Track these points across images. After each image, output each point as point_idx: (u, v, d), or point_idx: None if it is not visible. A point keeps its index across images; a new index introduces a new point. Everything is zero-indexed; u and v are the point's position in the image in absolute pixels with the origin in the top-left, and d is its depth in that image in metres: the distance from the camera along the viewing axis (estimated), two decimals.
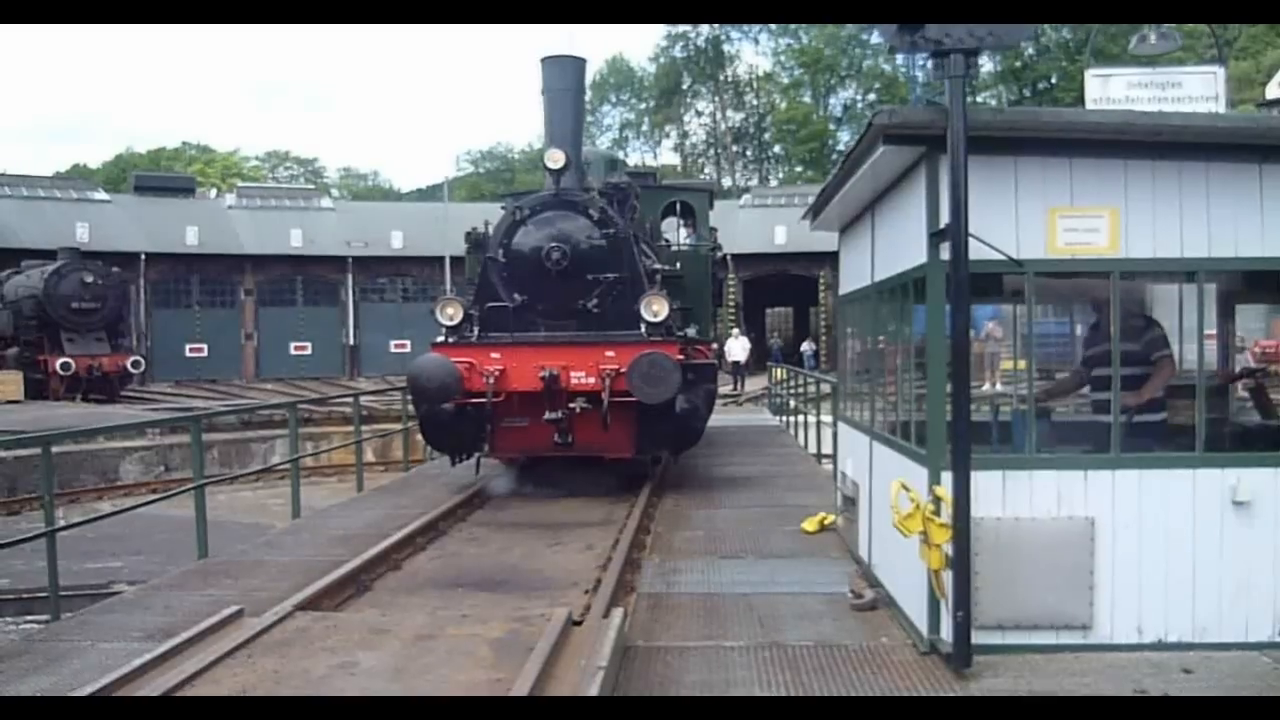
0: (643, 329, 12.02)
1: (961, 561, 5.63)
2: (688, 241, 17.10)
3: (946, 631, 5.84)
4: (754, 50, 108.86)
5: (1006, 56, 68.58)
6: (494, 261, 12.40)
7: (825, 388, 18.21)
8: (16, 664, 6.41)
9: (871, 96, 72.90)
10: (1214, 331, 7.92)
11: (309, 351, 48.19)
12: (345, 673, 5.70)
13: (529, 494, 12.54)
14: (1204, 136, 6.01)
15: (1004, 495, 5.95)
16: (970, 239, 5.65)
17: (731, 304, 46.31)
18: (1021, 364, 9.89)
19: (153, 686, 5.29)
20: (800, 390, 21.05)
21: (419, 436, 16.39)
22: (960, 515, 5.63)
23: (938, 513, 5.74)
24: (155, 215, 46.60)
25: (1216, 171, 5.98)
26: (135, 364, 35.71)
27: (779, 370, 27.45)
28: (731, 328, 39.66)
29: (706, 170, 77.04)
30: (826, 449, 16.85)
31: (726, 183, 71.73)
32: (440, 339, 12.36)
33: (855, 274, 8.91)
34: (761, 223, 48.62)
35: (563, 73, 12.95)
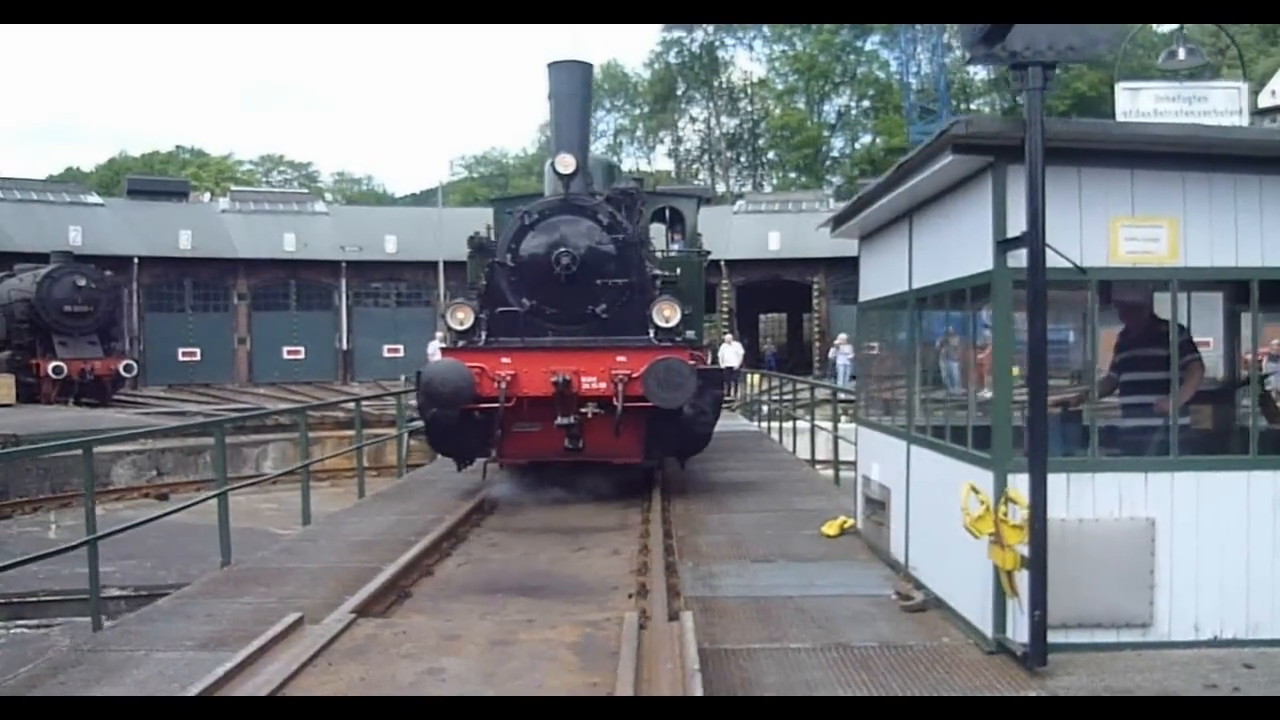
0: (651, 334, 12.01)
1: (1038, 562, 5.72)
2: (675, 248, 17.06)
3: (1013, 631, 5.99)
4: (748, 56, 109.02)
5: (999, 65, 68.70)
6: (502, 266, 12.31)
7: (821, 394, 18.28)
8: (75, 674, 6.21)
9: (865, 103, 73.06)
10: (1208, 339, 8.12)
11: (302, 356, 48.04)
12: (435, 679, 5.69)
13: (535, 500, 12.44)
14: (1258, 150, 6.22)
15: (1068, 497, 6.05)
16: (1013, 249, 5.82)
17: (725, 310, 46.31)
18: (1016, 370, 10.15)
19: (248, 691, 5.31)
20: (790, 397, 21.04)
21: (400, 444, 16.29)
22: (1037, 516, 5.72)
23: (1008, 515, 5.81)
24: (148, 219, 46.40)
25: (1270, 184, 6.12)
26: (128, 368, 35.56)
27: (756, 376, 27.64)
28: (725, 333, 39.63)
29: (701, 176, 77.05)
30: (820, 454, 17.00)
31: (720, 188, 71.67)
32: (439, 343, 12.30)
33: (884, 280, 8.97)
34: (755, 229, 48.62)
35: (570, 77, 12.91)
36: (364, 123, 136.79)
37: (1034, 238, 5.71)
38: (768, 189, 71.01)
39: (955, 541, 6.42)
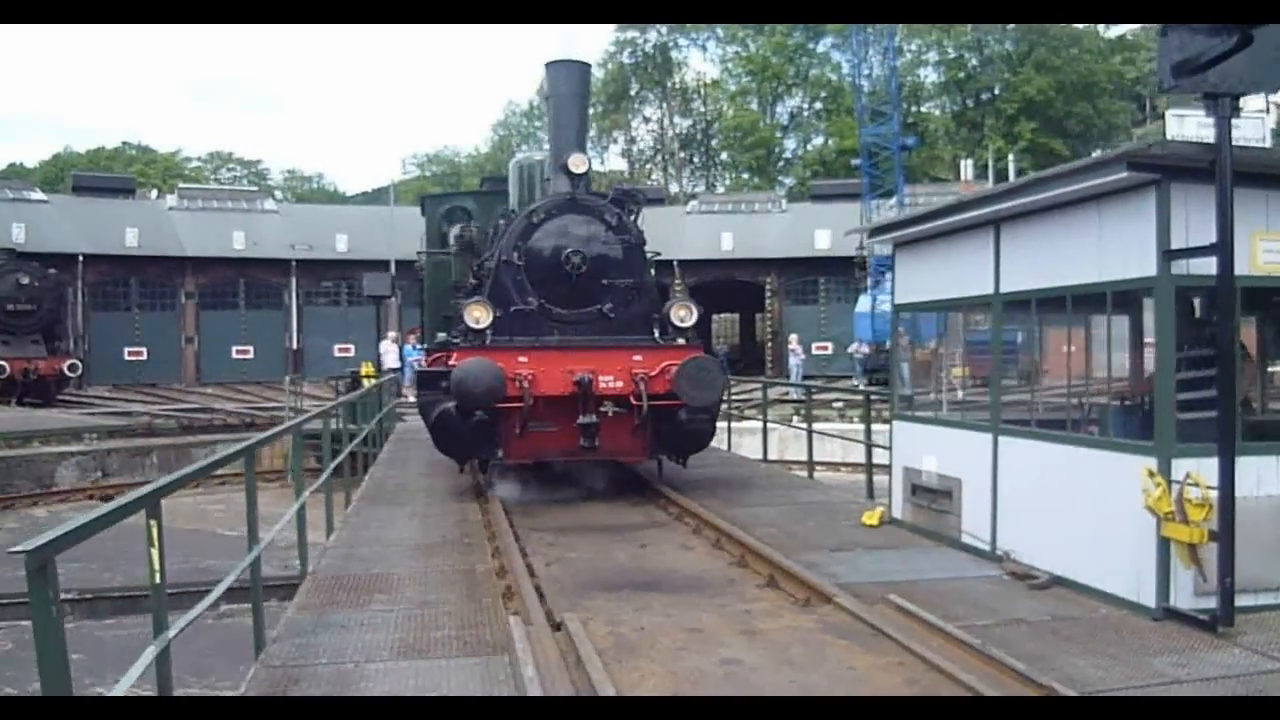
0: (656, 333, 12.26)
1: (1227, 534, 6.44)
2: None
3: (1175, 598, 6.79)
4: (702, 57, 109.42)
5: (951, 68, 69.56)
6: (508, 264, 12.24)
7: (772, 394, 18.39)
8: (311, 691, 5.78)
9: (818, 105, 73.52)
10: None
11: (251, 355, 47.45)
12: (744, 669, 5.95)
13: (540, 500, 12.21)
14: None
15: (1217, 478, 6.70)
16: (1193, 257, 6.68)
17: None
18: (965, 370, 11.17)
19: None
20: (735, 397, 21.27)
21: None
22: (1226, 494, 6.47)
23: (1189, 495, 6.57)
24: (94, 216, 45.65)
25: None
26: (72, 367, 35.10)
27: None
28: None
29: (654, 176, 77.12)
30: (772, 453, 17.16)
31: (674, 189, 71.87)
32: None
33: (946, 284, 9.65)
34: (708, 229, 48.81)
35: (569, 77, 13.10)
36: (315, 120, 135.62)
37: (1223, 249, 6.42)
38: (720, 189, 71.24)
39: (1085, 524, 7.40)
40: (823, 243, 46.79)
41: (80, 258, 43.80)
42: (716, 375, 11.56)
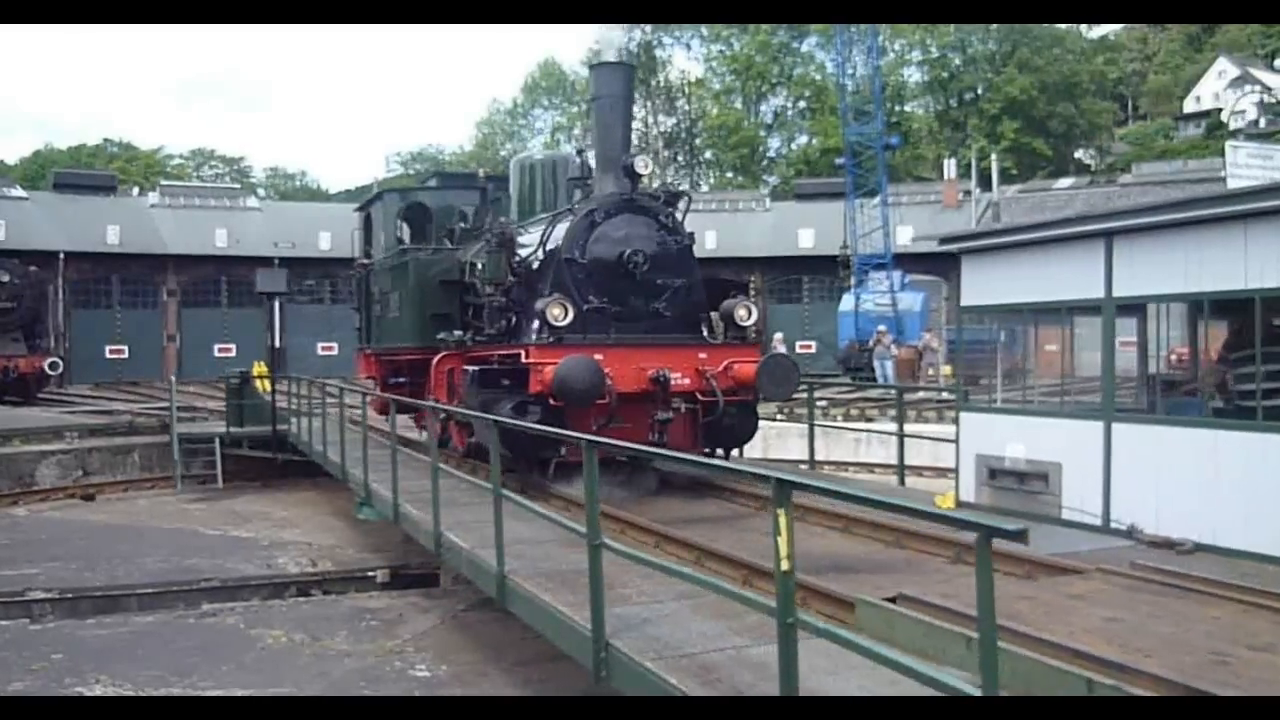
0: (704, 331, 12.69)
1: None
2: None
3: None
4: (686, 56, 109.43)
5: (934, 67, 69.80)
6: (571, 262, 12.39)
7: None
8: (742, 682, 5.56)
9: (801, 104, 73.71)
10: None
11: (234, 354, 47.09)
12: (1129, 626, 6.21)
13: (602, 496, 11.59)
14: None
15: None
16: None
17: None
18: (948, 370, 11.23)
19: None
20: None
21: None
22: None
23: None
24: (75, 213, 45.47)
25: None
26: (53, 365, 34.83)
27: None
28: None
29: None
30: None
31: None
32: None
33: (1032, 288, 10.33)
34: (693, 227, 48.63)
35: (614, 79, 13.37)
36: (298, 118, 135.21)
37: None
38: (704, 188, 71.35)
39: (1231, 495, 8.17)
40: (806, 241, 46.91)
41: (61, 255, 43.56)
42: (793, 372, 12.25)
